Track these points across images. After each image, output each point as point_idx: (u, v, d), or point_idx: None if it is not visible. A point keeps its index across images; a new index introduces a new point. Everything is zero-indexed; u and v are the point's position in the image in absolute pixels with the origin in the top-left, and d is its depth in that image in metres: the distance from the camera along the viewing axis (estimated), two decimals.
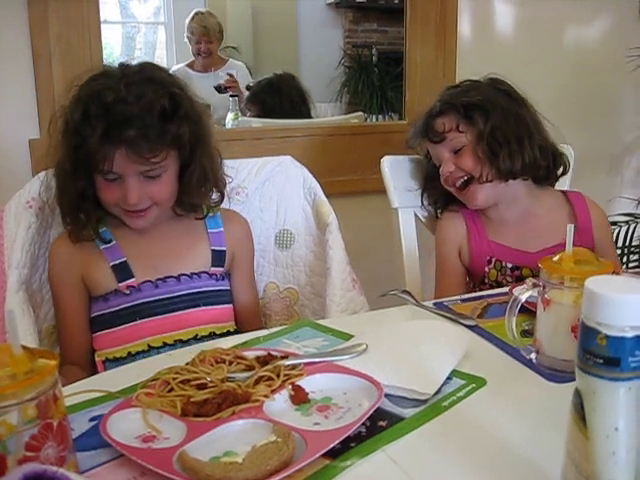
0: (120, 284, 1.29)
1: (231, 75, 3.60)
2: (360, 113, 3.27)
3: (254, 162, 1.53)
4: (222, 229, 1.39)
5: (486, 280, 1.55)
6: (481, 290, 1.53)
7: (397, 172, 1.68)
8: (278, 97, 3.12)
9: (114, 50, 4.09)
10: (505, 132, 1.49)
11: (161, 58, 4.20)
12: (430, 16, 2.18)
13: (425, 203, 1.70)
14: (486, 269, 1.54)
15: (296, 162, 1.54)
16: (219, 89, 3.51)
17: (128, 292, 1.29)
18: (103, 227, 1.32)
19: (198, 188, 1.33)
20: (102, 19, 1.83)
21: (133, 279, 1.29)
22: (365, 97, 3.84)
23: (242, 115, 3.09)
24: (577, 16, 2.36)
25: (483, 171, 1.50)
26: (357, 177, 2.11)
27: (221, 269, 1.37)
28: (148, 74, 1.26)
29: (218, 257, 1.37)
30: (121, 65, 1.27)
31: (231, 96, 3.10)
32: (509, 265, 1.52)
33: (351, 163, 2.14)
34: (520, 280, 1.46)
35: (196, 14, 3.65)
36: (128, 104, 1.18)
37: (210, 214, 1.39)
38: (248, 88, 3.35)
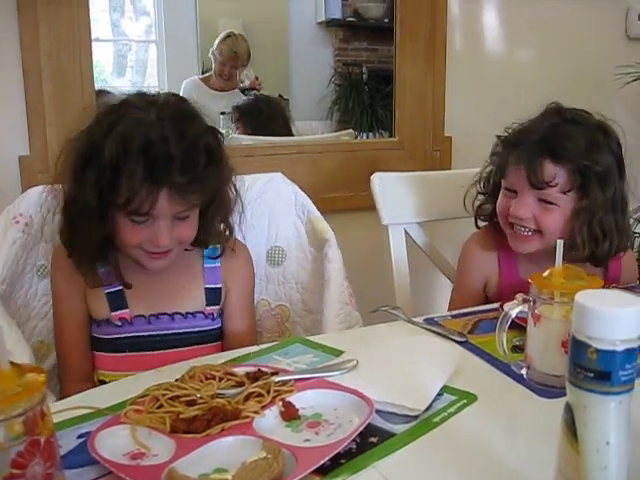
0: (113, 313, 1.25)
1: (257, 77, 3.66)
2: (350, 130, 3.29)
3: (244, 179, 1.52)
4: (219, 264, 1.33)
5: None
6: None
7: (387, 189, 1.68)
8: (262, 111, 3.25)
9: (105, 68, 4.09)
10: (610, 219, 1.35)
11: (152, 76, 4.20)
12: (419, 35, 2.19)
13: (468, 202, 1.53)
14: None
15: (286, 179, 1.54)
16: (244, 91, 3.58)
17: (120, 324, 1.25)
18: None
19: (217, 225, 1.29)
20: (93, 37, 1.83)
21: (127, 310, 1.25)
22: (355, 115, 3.84)
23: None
24: (565, 34, 2.38)
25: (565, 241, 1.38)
26: (347, 194, 2.12)
27: (217, 307, 1.32)
28: (184, 107, 1.21)
29: (213, 296, 1.31)
30: (143, 95, 1.21)
31: (221, 113, 3.12)
32: None
33: (341, 180, 2.14)
34: None
35: (229, 36, 3.62)
36: (171, 143, 1.12)
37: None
38: None
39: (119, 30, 4.16)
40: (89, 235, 1.17)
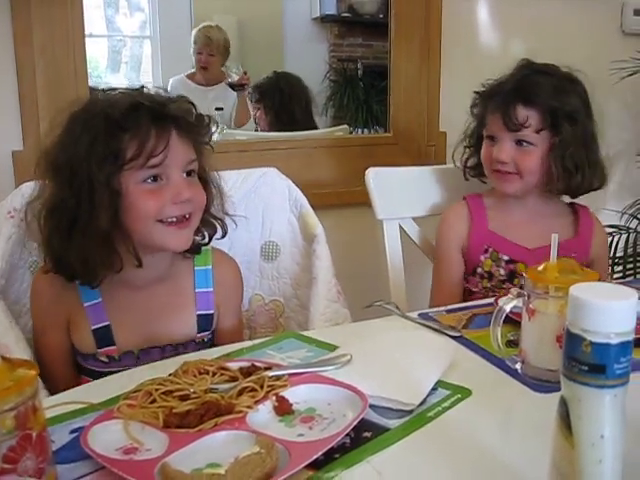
0: (100, 350, 1.21)
1: (245, 72, 3.61)
2: (345, 126, 3.27)
3: (238, 173, 1.52)
4: (211, 289, 1.29)
5: (479, 270, 1.56)
6: (470, 281, 1.58)
7: (382, 184, 1.67)
8: (283, 91, 3.20)
9: (99, 64, 4.07)
10: (581, 153, 1.49)
11: (147, 72, 4.19)
12: (414, 30, 2.19)
13: (456, 158, 1.68)
14: (481, 258, 1.55)
15: (281, 174, 1.54)
16: (233, 87, 3.54)
17: (106, 360, 1.21)
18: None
19: (214, 208, 1.27)
20: (88, 32, 1.83)
21: (114, 347, 1.21)
22: (350, 111, 3.84)
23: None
24: (560, 31, 2.38)
25: (544, 179, 1.51)
26: (342, 189, 2.11)
27: (208, 332, 1.29)
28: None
29: (205, 322, 1.28)
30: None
31: (216, 109, 3.11)
32: (505, 257, 1.53)
33: (336, 175, 2.14)
34: (513, 275, 1.51)
35: (204, 26, 3.62)
36: (163, 94, 1.20)
37: (202, 266, 1.30)
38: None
39: (113, 26, 4.15)
40: (92, 228, 1.10)
